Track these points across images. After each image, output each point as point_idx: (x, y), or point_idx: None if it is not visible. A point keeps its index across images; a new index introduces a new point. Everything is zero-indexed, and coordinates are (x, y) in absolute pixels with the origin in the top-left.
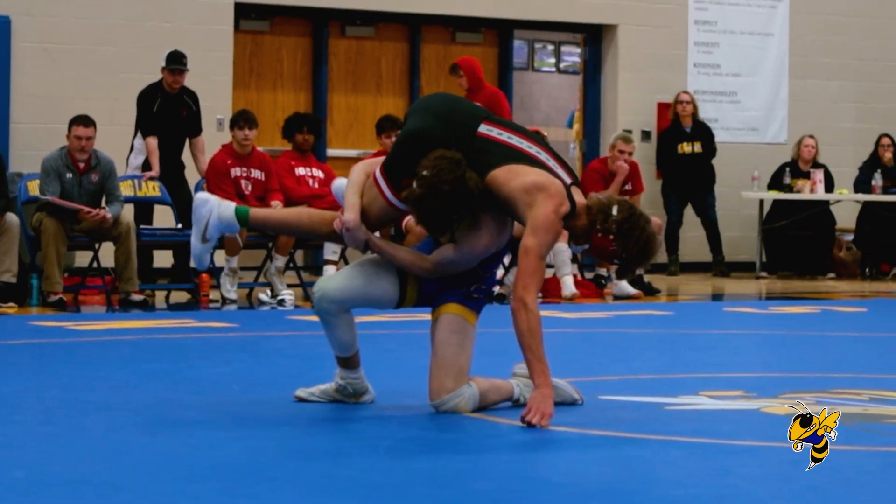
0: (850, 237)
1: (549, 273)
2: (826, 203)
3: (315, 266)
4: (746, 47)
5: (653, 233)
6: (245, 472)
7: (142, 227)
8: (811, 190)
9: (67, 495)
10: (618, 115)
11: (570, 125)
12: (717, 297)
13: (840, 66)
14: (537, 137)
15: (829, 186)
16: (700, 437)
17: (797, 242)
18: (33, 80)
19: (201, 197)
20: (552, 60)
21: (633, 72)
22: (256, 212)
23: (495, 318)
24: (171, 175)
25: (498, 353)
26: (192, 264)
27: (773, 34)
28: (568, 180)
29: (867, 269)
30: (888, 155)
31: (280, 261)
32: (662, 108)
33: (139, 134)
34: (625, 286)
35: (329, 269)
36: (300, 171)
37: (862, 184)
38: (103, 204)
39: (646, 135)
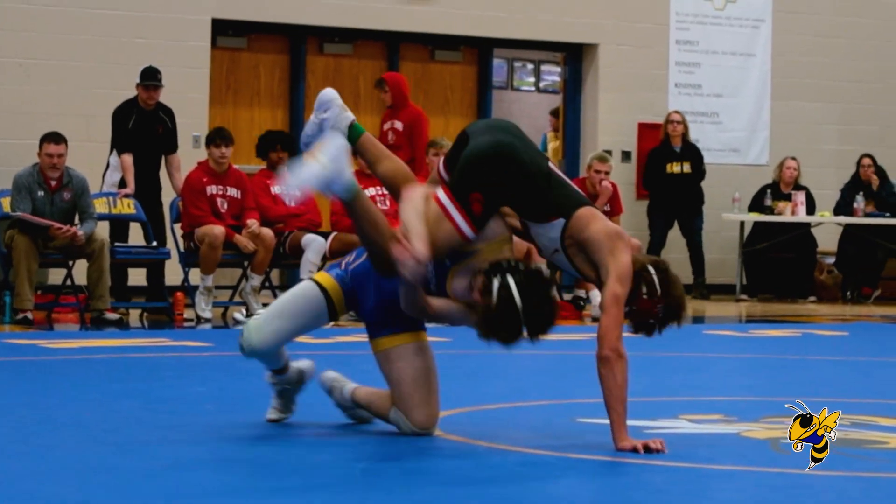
0: (832, 260)
1: None
2: (808, 225)
3: (291, 285)
4: (728, 68)
5: (682, 286)
6: (219, 492)
7: (116, 244)
8: (792, 212)
9: None
10: (598, 135)
11: (544, 149)
12: (696, 319)
13: (823, 87)
14: None
15: (812, 209)
16: (679, 461)
17: (778, 265)
18: (8, 95)
19: (329, 95)
20: (532, 79)
21: (614, 92)
22: (367, 139)
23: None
24: (147, 192)
25: (470, 375)
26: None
27: (755, 55)
28: None
29: (848, 293)
30: (872, 176)
31: (256, 280)
32: (643, 128)
33: (115, 151)
34: None
35: None
36: (276, 189)
37: (843, 206)
38: (76, 221)
39: (626, 155)
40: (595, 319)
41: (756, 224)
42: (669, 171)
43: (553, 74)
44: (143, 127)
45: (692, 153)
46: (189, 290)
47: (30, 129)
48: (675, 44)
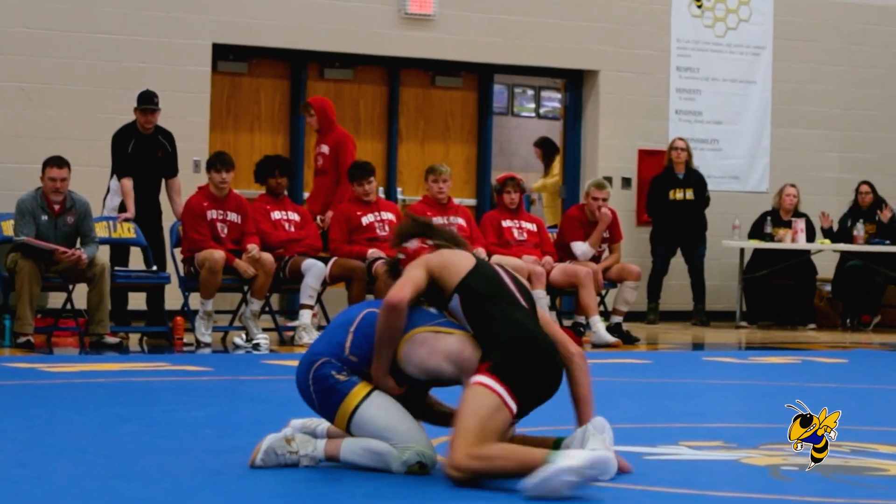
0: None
1: None
2: (807, 253)
3: (291, 311)
4: (729, 95)
5: None
6: None
7: (116, 268)
8: (792, 239)
9: None
10: (598, 161)
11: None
12: (696, 346)
13: (823, 114)
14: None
15: (811, 236)
16: (679, 487)
17: (778, 292)
18: (9, 119)
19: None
20: (532, 105)
21: (615, 118)
22: None
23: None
24: (147, 217)
25: None
26: None
27: (755, 82)
28: None
29: (848, 320)
30: (868, 199)
31: (256, 304)
32: (644, 154)
33: (115, 175)
34: (603, 334)
35: (305, 314)
36: (276, 214)
37: (842, 234)
38: (78, 245)
39: (626, 182)
40: (595, 346)
41: (756, 251)
42: (672, 197)
43: (553, 101)
44: (142, 151)
45: (696, 180)
46: (189, 314)
47: (31, 153)
48: (675, 70)
